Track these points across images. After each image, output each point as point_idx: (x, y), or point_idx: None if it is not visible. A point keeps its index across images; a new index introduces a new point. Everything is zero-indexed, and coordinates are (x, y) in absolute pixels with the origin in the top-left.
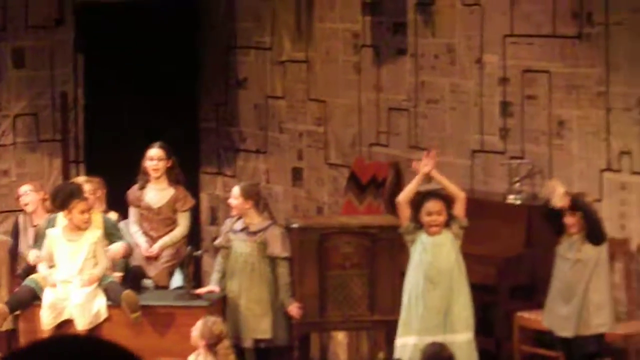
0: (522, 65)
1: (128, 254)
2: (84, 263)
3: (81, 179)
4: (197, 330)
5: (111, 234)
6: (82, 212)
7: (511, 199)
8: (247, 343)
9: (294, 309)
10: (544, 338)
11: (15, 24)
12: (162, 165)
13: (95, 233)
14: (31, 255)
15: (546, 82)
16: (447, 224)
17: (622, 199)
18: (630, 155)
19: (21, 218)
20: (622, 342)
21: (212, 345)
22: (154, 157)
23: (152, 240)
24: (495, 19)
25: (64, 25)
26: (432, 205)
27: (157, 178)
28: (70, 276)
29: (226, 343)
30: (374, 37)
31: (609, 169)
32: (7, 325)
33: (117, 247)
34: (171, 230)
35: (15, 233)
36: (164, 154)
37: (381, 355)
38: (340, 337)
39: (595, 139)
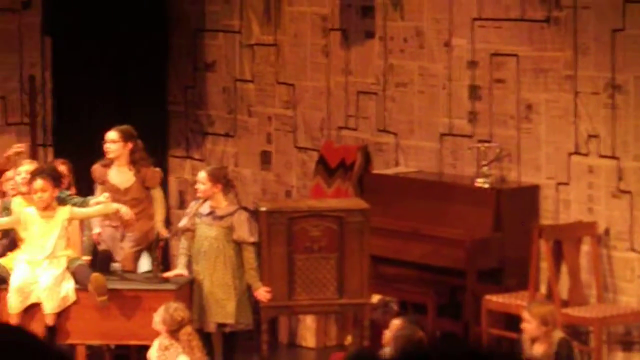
0: (491, 48)
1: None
2: (57, 243)
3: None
4: (158, 316)
5: (75, 203)
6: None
7: (479, 182)
8: (211, 327)
9: (261, 292)
10: (512, 321)
11: None
12: (114, 148)
13: (66, 209)
14: None
15: (514, 65)
16: None
17: (589, 182)
18: (598, 139)
19: None
20: (592, 325)
21: (174, 332)
22: (107, 139)
23: (121, 221)
24: (464, 2)
25: (31, 8)
26: None
27: (115, 159)
28: (41, 257)
29: (188, 329)
30: (342, 20)
31: (576, 152)
32: None
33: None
34: (142, 211)
35: None
36: (118, 136)
37: (349, 338)
38: (309, 321)
39: (563, 123)
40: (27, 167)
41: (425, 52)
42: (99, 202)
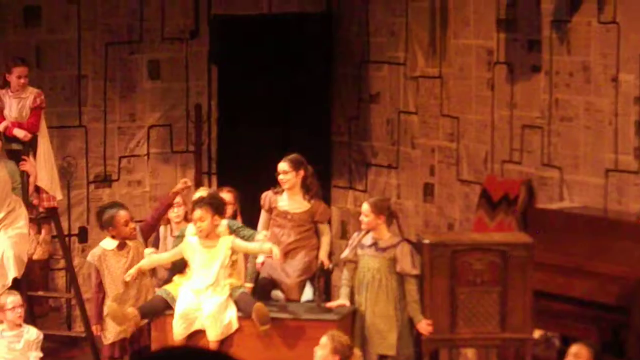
0: None
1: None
2: (219, 272)
3: (223, 190)
4: (325, 348)
5: (243, 234)
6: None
7: None
8: (372, 358)
9: (423, 325)
10: None
11: (151, 35)
12: (288, 178)
13: (228, 239)
14: (146, 252)
15: None
16: None
17: None
18: None
19: (162, 229)
20: None
21: (345, 359)
22: (280, 170)
23: (284, 245)
24: (632, 38)
25: (199, 37)
26: None
27: (289, 189)
28: (204, 285)
29: (357, 353)
30: (508, 53)
31: None
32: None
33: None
34: (305, 239)
35: (156, 243)
36: (289, 167)
37: None
38: (470, 354)
39: None
40: (200, 193)
41: (591, 87)
42: (258, 240)
